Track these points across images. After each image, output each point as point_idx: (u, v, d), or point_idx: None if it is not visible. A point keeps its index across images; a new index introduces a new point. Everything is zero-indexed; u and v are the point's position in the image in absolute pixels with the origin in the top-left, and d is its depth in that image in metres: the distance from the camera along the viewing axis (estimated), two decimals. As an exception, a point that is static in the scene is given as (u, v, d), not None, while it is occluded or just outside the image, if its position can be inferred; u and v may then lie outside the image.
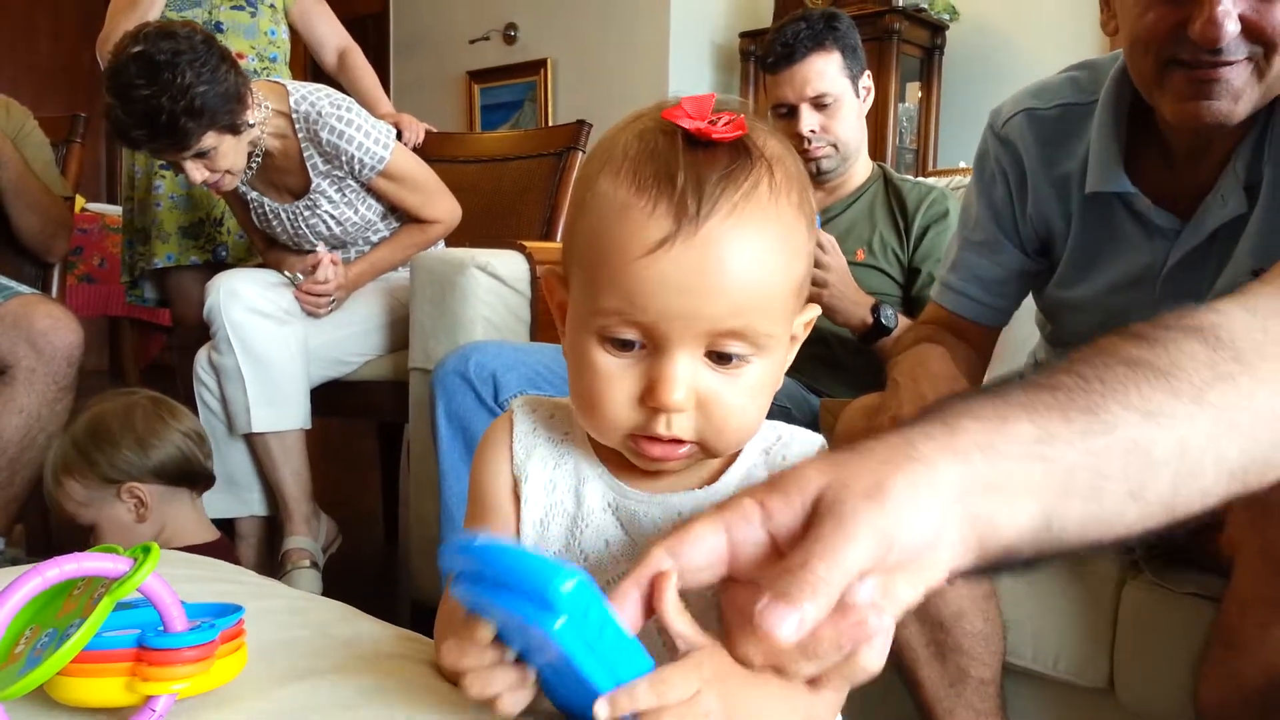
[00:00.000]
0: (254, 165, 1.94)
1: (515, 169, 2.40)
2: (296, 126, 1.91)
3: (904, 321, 1.55)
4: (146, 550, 0.52)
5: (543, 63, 4.53)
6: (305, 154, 1.93)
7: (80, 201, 3.34)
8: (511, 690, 0.50)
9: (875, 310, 1.55)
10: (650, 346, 0.55)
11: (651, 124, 0.56)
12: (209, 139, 1.76)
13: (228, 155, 1.81)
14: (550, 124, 4.33)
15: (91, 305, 3.28)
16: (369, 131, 1.91)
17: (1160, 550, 1.10)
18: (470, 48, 4.78)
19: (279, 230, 2.07)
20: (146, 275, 2.46)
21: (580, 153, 2.30)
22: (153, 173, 2.39)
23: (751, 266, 0.54)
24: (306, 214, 2.01)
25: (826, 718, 0.60)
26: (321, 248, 2.01)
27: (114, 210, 3.45)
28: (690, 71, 4.19)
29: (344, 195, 1.99)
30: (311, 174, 1.95)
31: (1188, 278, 1.08)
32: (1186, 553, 1.09)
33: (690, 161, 0.53)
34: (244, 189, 2.01)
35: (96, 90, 5.70)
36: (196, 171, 1.80)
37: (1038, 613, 1.17)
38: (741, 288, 0.54)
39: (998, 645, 1.16)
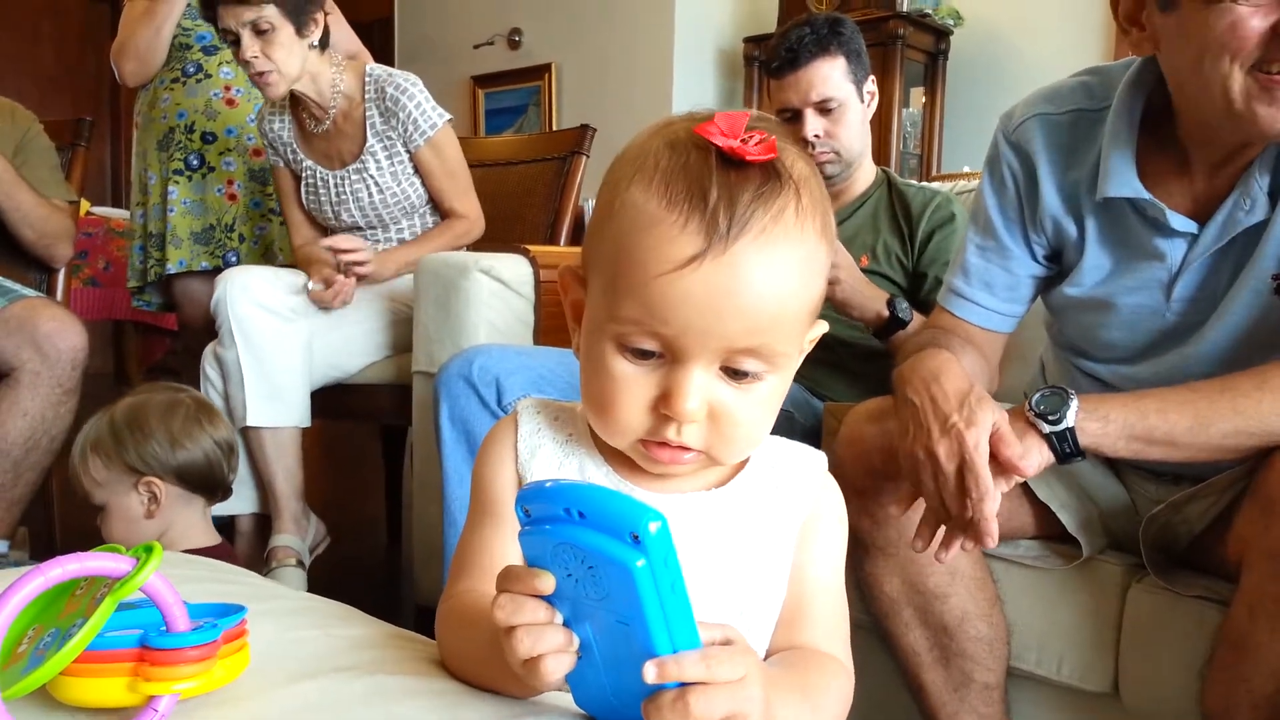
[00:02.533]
0: (325, 125, 2.05)
1: (519, 173, 2.40)
2: (366, 90, 2.06)
3: (918, 318, 1.55)
4: (149, 550, 0.52)
5: (547, 67, 4.53)
6: (367, 113, 2.06)
7: (85, 205, 3.34)
8: (557, 653, 0.50)
9: (890, 305, 1.54)
10: (668, 357, 0.56)
11: (684, 135, 0.57)
12: (272, 12, 1.87)
13: (283, 47, 1.91)
14: (554, 129, 4.33)
15: (96, 309, 3.29)
16: (429, 99, 2.08)
17: (1165, 554, 1.10)
18: (474, 53, 4.78)
19: (324, 201, 2.13)
20: (156, 281, 2.47)
21: (584, 157, 2.30)
22: (167, 179, 2.40)
23: (775, 289, 0.55)
24: (354, 178, 2.09)
25: None
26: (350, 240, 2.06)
27: (119, 214, 3.46)
28: (694, 76, 4.19)
29: (391, 163, 2.08)
30: (368, 133, 2.06)
31: (1204, 280, 1.08)
32: (1192, 556, 1.09)
33: (723, 181, 0.54)
34: (300, 157, 2.12)
35: (99, 95, 5.74)
36: (250, 45, 1.89)
37: (1042, 617, 1.16)
38: (763, 309, 0.55)
39: (1002, 650, 1.16)
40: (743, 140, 0.55)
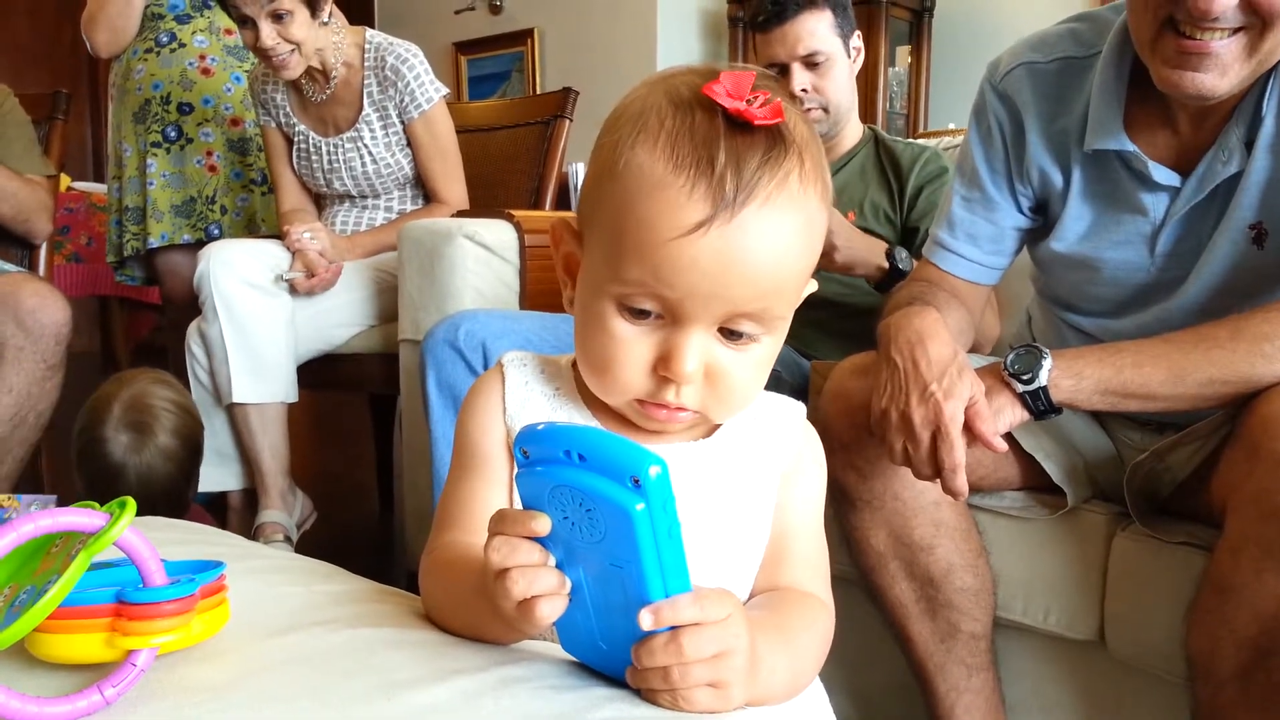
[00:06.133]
0: (326, 93, 2.05)
1: (502, 138, 2.38)
2: (366, 56, 2.06)
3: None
4: (122, 505, 0.51)
5: (529, 32, 4.48)
6: (365, 81, 2.07)
7: (65, 180, 3.30)
8: (550, 596, 0.50)
9: (890, 255, 1.53)
10: (667, 318, 0.56)
11: (688, 94, 0.56)
12: (290, 1, 1.88)
13: (300, 29, 1.92)
14: (538, 94, 4.29)
15: (80, 285, 3.26)
16: (429, 72, 2.08)
17: (1150, 501, 1.10)
18: (455, 18, 4.72)
19: (316, 168, 2.13)
20: (136, 255, 2.44)
21: (568, 120, 2.28)
22: (145, 151, 2.37)
23: (778, 255, 0.55)
24: (348, 146, 2.09)
25: (810, 668, 0.61)
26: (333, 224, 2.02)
27: (100, 189, 3.42)
28: (678, 38, 4.14)
29: (386, 133, 2.08)
30: (365, 101, 2.07)
31: (1186, 233, 1.07)
32: (1176, 503, 1.10)
33: (730, 145, 0.54)
34: (294, 121, 2.11)
35: (77, 69, 5.65)
36: (270, 35, 1.89)
37: (1028, 567, 1.17)
38: (766, 275, 0.55)
39: (988, 600, 1.17)
40: (748, 102, 0.54)
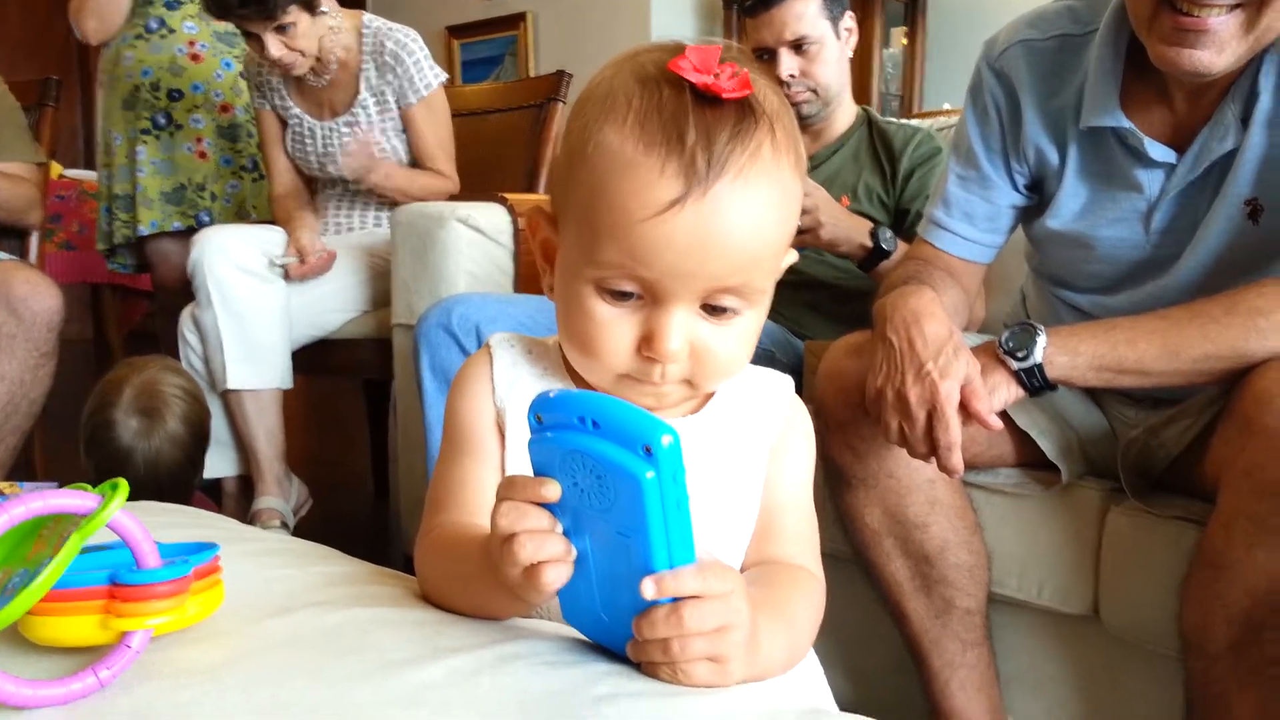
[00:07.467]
0: (324, 79, 2.05)
1: (496, 122, 2.37)
2: (364, 40, 2.06)
3: (902, 245, 1.54)
4: (114, 486, 0.51)
5: (522, 16, 4.45)
6: (363, 65, 2.07)
7: (56, 168, 3.29)
8: (556, 562, 0.50)
9: (874, 235, 1.53)
10: (648, 298, 0.56)
11: (655, 71, 0.55)
12: (292, 13, 1.89)
13: (305, 35, 1.94)
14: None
15: (72, 272, 3.24)
16: (429, 57, 2.09)
17: (1144, 477, 1.11)
18: (448, 2, 4.69)
19: (310, 152, 2.12)
20: (127, 243, 2.43)
21: (561, 103, 2.27)
22: (134, 138, 2.36)
23: (754, 228, 0.54)
24: (343, 130, 2.08)
25: (805, 642, 0.62)
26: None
27: (91, 176, 3.40)
28: (672, 19, 4.12)
29: (381, 118, 2.08)
30: (361, 85, 2.07)
31: (1181, 210, 1.08)
32: (1170, 478, 1.10)
33: (699, 120, 0.53)
34: (289, 105, 2.11)
35: (68, 58, 5.60)
36: (276, 47, 1.91)
37: (1022, 543, 1.17)
38: (743, 248, 0.54)
39: (982, 576, 1.17)
40: (715, 75, 0.53)
